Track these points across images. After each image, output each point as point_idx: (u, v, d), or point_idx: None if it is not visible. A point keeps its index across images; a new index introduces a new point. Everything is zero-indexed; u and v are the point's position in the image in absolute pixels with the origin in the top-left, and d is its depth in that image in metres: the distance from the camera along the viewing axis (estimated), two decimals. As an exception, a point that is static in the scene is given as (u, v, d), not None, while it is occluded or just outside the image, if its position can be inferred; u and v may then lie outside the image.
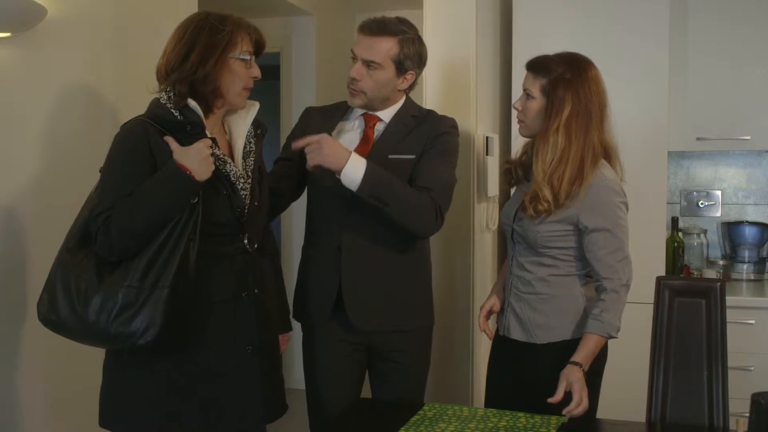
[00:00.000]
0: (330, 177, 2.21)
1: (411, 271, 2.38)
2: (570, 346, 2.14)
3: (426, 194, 2.23)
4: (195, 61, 1.86)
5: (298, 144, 2.17)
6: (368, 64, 2.27)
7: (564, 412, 1.99)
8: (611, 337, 2.14)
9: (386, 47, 2.27)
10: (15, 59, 2.14)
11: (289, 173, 2.39)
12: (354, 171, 2.13)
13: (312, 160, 2.13)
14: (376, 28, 2.28)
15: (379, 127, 2.35)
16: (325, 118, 2.40)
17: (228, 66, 1.90)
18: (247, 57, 1.93)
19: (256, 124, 2.07)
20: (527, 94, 2.23)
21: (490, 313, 2.42)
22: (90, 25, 2.40)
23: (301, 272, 2.43)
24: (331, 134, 2.32)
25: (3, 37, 2.08)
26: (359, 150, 2.29)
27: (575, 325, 2.19)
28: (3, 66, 2.11)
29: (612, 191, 2.17)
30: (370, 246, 2.29)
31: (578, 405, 1.99)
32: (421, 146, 2.31)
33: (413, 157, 2.30)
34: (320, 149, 2.12)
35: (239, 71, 1.92)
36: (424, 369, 2.47)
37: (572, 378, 2.03)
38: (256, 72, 1.98)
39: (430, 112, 2.44)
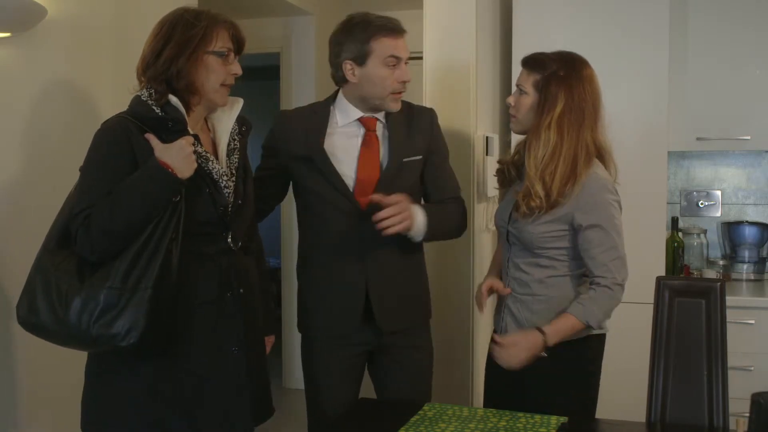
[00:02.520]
0: (335, 192, 2.26)
1: (418, 267, 2.45)
2: (567, 347, 2.14)
3: (459, 206, 2.43)
4: (168, 57, 1.83)
5: (379, 198, 2.17)
6: (405, 62, 2.31)
7: (495, 336, 2.11)
8: (589, 326, 2.13)
9: None
10: (15, 59, 2.14)
11: (271, 183, 2.38)
12: (418, 228, 2.23)
13: (392, 229, 2.15)
14: (401, 26, 2.30)
15: (378, 129, 2.34)
16: (307, 121, 2.33)
17: (203, 61, 1.87)
18: (224, 52, 1.90)
19: (241, 121, 2.04)
20: (520, 90, 2.24)
21: (491, 291, 2.37)
22: (90, 25, 2.41)
23: (314, 281, 2.37)
24: (322, 138, 2.29)
25: (3, 37, 2.08)
26: (367, 155, 2.29)
27: None
28: (3, 66, 2.11)
29: (605, 189, 2.16)
30: (386, 248, 2.30)
31: (506, 349, 2.07)
32: (425, 146, 2.36)
33: (421, 157, 2.36)
34: (403, 218, 2.16)
35: (215, 67, 1.88)
36: (431, 364, 2.50)
37: (528, 338, 2.08)
38: (236, 69, 1.93)
39: (411, 105, 2.43)
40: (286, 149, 2.33)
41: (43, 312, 1.73)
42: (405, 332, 2.37)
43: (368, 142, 2.32)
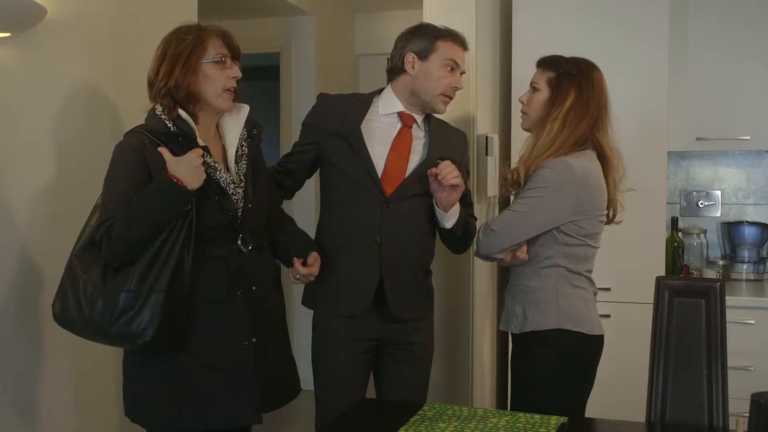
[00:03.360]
0: (365, 174, 2.33)
1: (429, 260, 2.51)
2: (540, 338, 2.24)
3: (474, 224, 2.52)
4: (164, 73, 1.98)
5: (439, 169, 2.28)
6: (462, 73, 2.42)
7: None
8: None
9: None
10: (15, 59, 2.14)
11: (303, 159, 2.47)
12: (455, 210, 2.37)
13: (451, 173, 2.27)
14: (466, 43, 2.45)
15: (416, 129, 2.42)
16: (349, 105, 2.43)
17: (201, 71, 2.00)
18: (218, 59, 2.01)
19: (251, 124, 2.15)
20: (533, 88, 2.35)
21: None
22: (90, 25, 2.41)
23: (330, 263, 2.39)
24: (360, 121, 2.38)
25: (3, 37, 2.08)
26: (399, 147, 2.38)
27: (544, 316, 2.25)
28: (3, 66, 2.11)
29: (550, 174, 2.21)
30: (405, 238, 2.38)
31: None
32: (457, 159, 2.43)
33: None
34: (459, 186, 2.30)
35: (213, 74, 2.01)
36: (430, 362, 2.53)
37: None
38: (235, 72, 2.05)
39: (443, 121, 2.55)
40: (324, 125, 2.41)
41: (72, 311, 1.91)
42: (411, 326, 2.42)
43: (402, 135, 2.40)
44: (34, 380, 2.23)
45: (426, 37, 2.38)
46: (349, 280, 2.38)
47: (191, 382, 2.00)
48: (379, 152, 2.37)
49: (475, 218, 2.56)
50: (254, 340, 2.05)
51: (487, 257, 2.32)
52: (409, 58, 2.38)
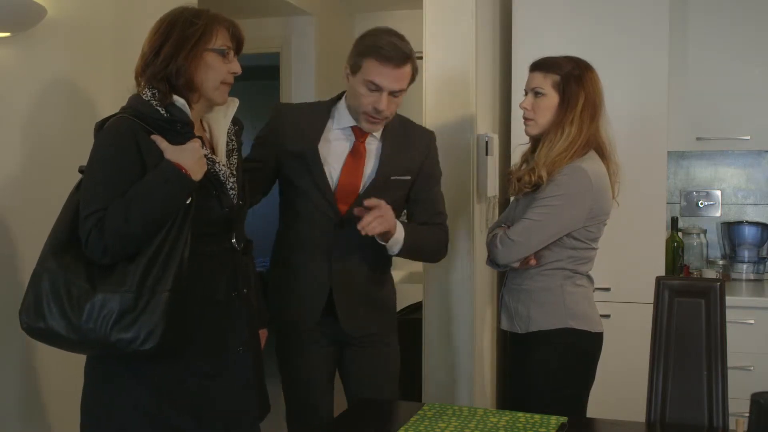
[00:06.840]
0: (318, 194, 2.29)
1: (386, 281, 2.47)
2: (546, 337, 2.26)
3: (443, 231, 2.45)
4: (167, 55, 1.82)
5: (361, 210, 2.19)
6: (395, 94, 2.25)
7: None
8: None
9: (408, 72, 2.26)
10: (15, 59, 2.14)
11: (258, 176, 2.37)
12: (397, 239, 2.27)
13: (374, 229, 2.16)
14: (402, 58, 2.22)
15: (371, 142, 2.36)
16: (307, 119, 2.37)
17: (203, 59, 1.85)
18: (224, 49, 1.88)
19: (234, 120, 2.04)
20: (536, 92, 2.30)
21: None
22: (90, 25, 2.41)
23: (283, 278, 2.42)
24: (318, 138, 2.32)
25: (3, 37, 2.08)
26: (352, 164, 2.32)
27: (551, 316, 2.27)
28: (3, 66, 2.11)
29: (567, 181, 2.22)
30: (357, 252, 2.34)
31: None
32: (417, 166, 2.38)
33: (409, 178, 2.38)
34: (385, 220, 2.18)
35: (215, 65, 1.87)
36: (397, 361, 2.50)
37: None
38: (235, 67, 1.91)
39: (409, 123, 2.46)
40: (281, 144, 2.35)
41: (52, 317, 1.69)
42: (370, 336, 2.41)
43: (355, 151, 2.34)
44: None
45: (358, 50, 2.25)
46: (299, 298, 2.37)
47: (184, 390, 1.82)
48: (335, 170, 2.32)
49: (441, 225, 2.45)
50: (246, 346, 1.94)
51: (505, 266, 2.31)
52: (347, 69, 2.29)
